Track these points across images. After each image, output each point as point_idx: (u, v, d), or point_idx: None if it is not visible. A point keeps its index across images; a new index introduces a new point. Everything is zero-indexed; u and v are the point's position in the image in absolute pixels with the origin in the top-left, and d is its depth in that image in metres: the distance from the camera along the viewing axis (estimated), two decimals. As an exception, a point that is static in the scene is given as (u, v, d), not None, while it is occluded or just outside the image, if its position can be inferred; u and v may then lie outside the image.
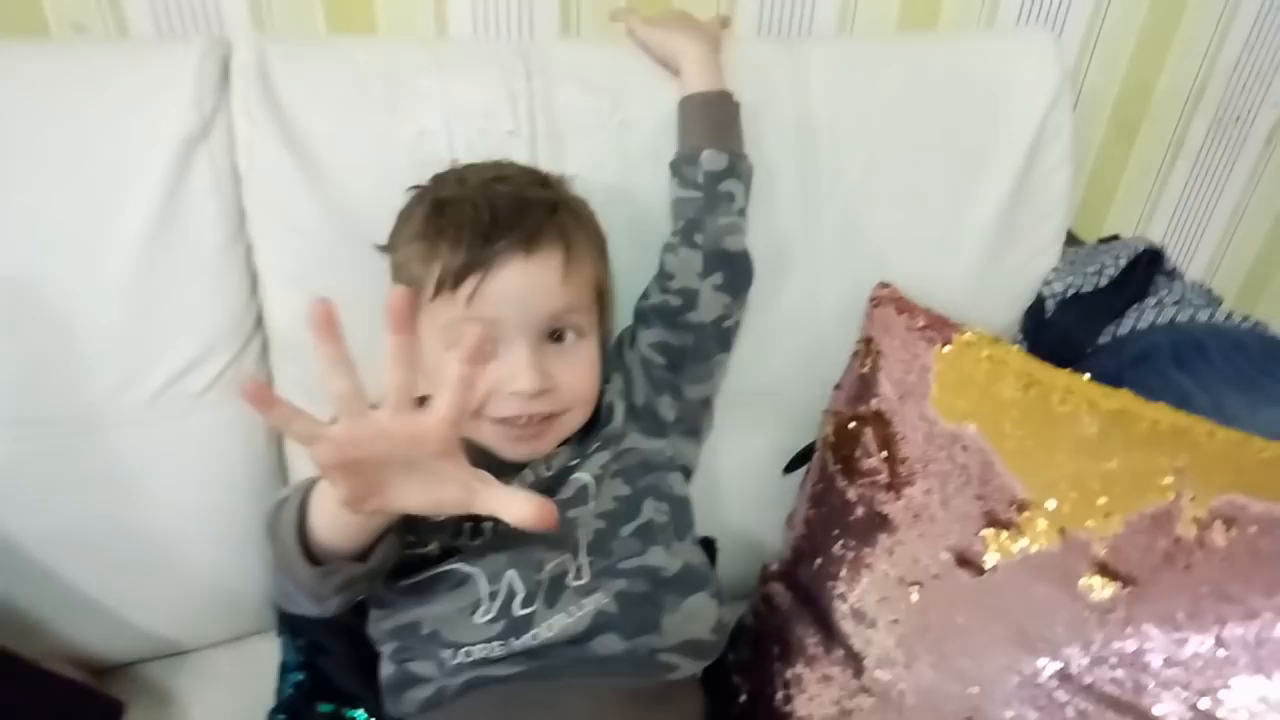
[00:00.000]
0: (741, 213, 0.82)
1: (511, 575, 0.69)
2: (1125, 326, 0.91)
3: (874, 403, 0.80)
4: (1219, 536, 0.63)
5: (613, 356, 0.82)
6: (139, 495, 0.82)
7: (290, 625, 0.84)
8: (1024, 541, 0.69)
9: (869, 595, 0.75)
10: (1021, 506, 0.70)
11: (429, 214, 0.71)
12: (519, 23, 1.00)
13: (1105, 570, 0.66)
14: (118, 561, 0.83)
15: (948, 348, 0.78)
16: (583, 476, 0.75)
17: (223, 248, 0.81)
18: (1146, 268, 0.97)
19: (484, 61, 0.85)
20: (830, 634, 0.77)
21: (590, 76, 0.86)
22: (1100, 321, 0.92)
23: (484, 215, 0.67)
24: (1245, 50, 1.21)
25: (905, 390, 0.79)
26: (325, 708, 0.78)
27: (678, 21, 0.87)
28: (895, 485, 0.77)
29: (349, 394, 0.51)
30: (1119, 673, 0.64)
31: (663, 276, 0.81)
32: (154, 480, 0.82)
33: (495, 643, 0.68)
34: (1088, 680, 0.65)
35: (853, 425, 0.81)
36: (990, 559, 0.70)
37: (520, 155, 0.82)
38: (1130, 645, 0.64)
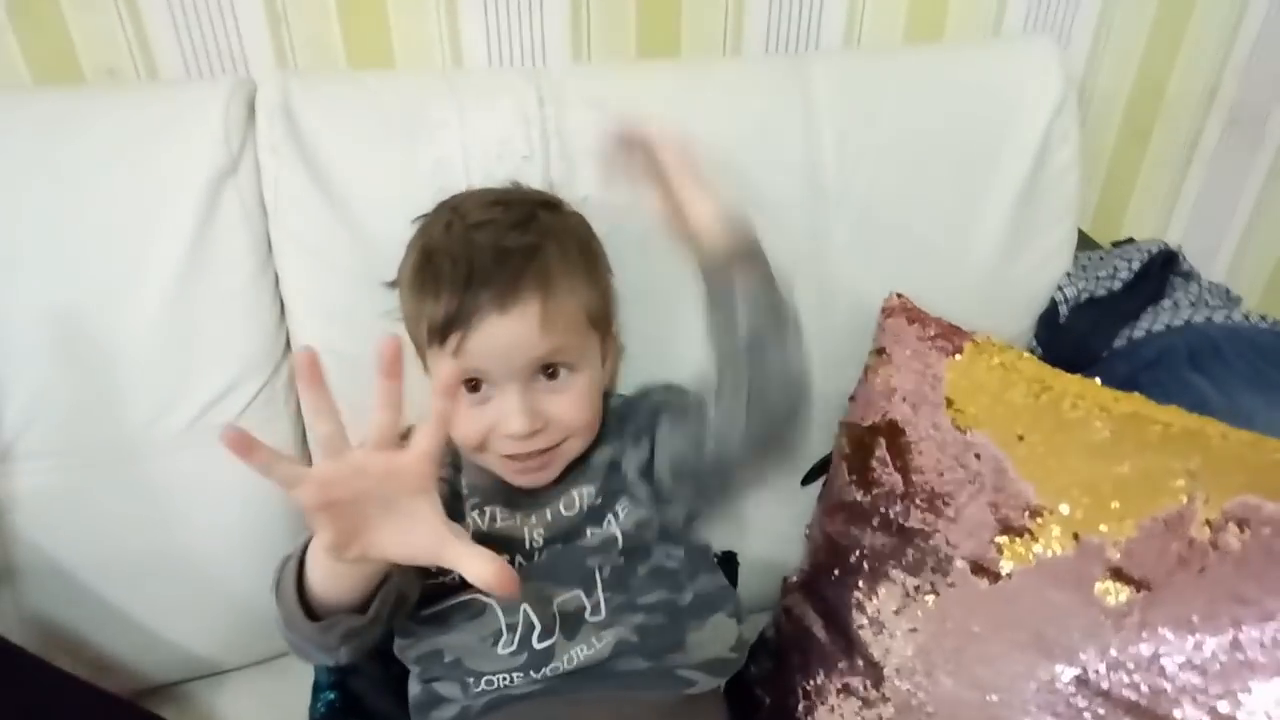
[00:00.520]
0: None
1: (526, 609, 0.71)
2: (1140, 329, 0.92)
3: (887, 413, 0.81)
4: (1233, 539, 0.63)
5: (634, 419, 0.80)
6: (177, 520, 0.85)
7: (323, 644, 0.86)
8: (1038, 547, 0.70)
9: (886, 605, 0.76)
10: (1035, 512, 0.71)
11: (417, 264, 0.73)
12: (531, 51, 1.03)
13: (1120, 575, 0.66)
14: (159, 584, 0.86)
15: (959, 356, 0.79)
16: (604, 524, 0.75)
17: (252, 278, 0.84)
18: (1161, 270, 0.97)
19: (497, 90, 0.88)
20: (850, 644, 0.78)
21: (599, 100, 0.88)
22: (1115, 325, 0.92)
23: (461, 271, 0.68)
24: (1257, 48, 1.20)
25: (918, 400, 0.80)
26: (357, 725, 0.80)
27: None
28: (910, 494, 0.78)
29: (330, 436, 0.54)
30: (1136, 678, 0.64)
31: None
32: (191, 505, 0.85)
33: (517, 673, 0.70)
34: (1105, 686, 0.65)
35: (867, 436, 0.82)
36: (1005, 566, 0.71)
37: (534, 178, 0.84)
38: (1146, 650, 0.64)
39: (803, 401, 0.71)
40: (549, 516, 0.75)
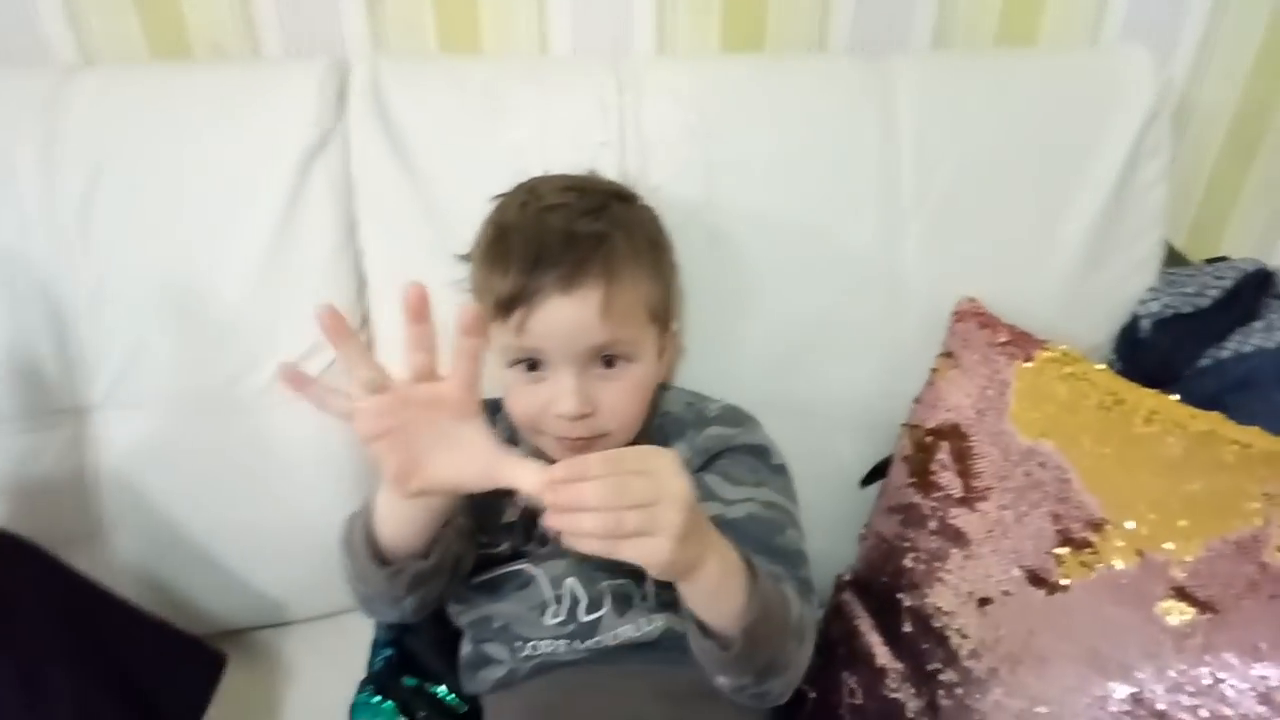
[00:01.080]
0: None
1: (572, 583, 0.72)
2: (1228, 350, 0.88)
3: (951, 417, 0.80)
4: (1309, 566, 0.61)
5: (690, 438, 0.78)
6: (256, 473, 0.90)
7: (382, 605, 0.90)
8: (1099, 561, 0.68)
9: (939, 608, 0.75)
10: (1098, 526, 0.69)
11: (491, 239, 0.75)
12: (616, 41, 1.04)
13: (1183, 594, 0.64)
14: (236, 533, 0.91)
15: (1029, 363, 0.78)
16: None
17: (336, 250, 0.88)
18: (1257, 290, 0.93)
19: (578, 77, 0.90)
20: (899, 646, 0.78)
21: (679, 91, 0.89)
22: (1200, 344, 0.89)
23: (531, 250, 0.70)
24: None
25: (984, 405, 0.79)
26: (410, 682, 0.83)
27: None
28: (969, 500, 0.76)
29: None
30: (1195, 701, 0.62)
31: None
32: (269, 459, 0.90)
33: (562, 641, 0.72)
34: (1161, 707, 0.63)
35: (930, 439, 0.81)
36: (1063, 578, 0.69)
37: (609, 166, 0.86)
38: (1207, 674, 0.62)
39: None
40: None
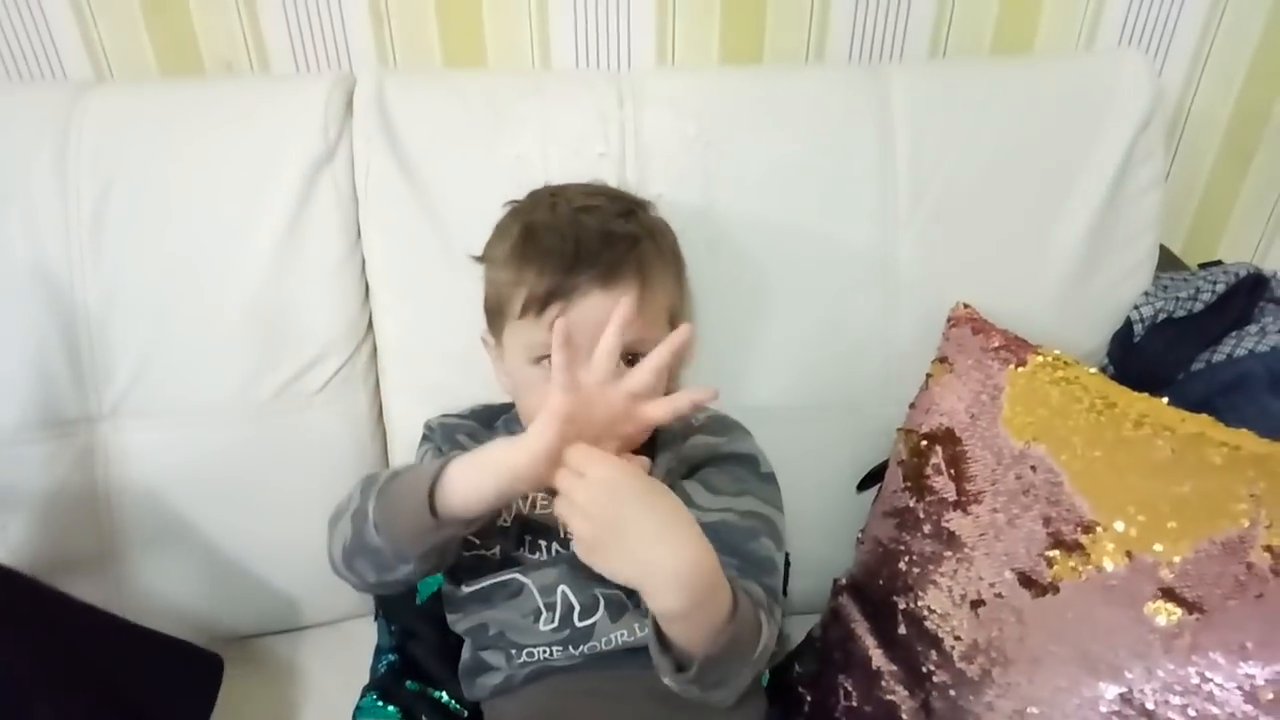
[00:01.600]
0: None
1: (564, 590, 0.73)
2: (1221, 353, 0.89)
3: (945, 421, 0.81)
4: (1294, 566, 0.61)
5: (679, 446, 0.79)
6: (261, 481, 0.91)
7: (385, 611, 0.91)
8: (1089, 563, 0.69)
9: (932, 612, 0.76)
10: (1088, 528, 0.70)
11: (521, 238, 0.76)
12: (618, 54, 1.06)
13: (1172, 595, 0.65)
14: (241, 540, 0.93)
15: (1021, 368, 0.79)
16: None
17: (341, 260, 0.90)
18: (1250, 293, 0.94)
19: (579, 89, 0.92)
20: (893, 648, 0.78)
21: (677, 102, 0.91)
22: (1193, 347, 0.89)
23: (569, 247, 0.71)
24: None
25: (977, 410, 0.79)
26: (413, 686, 0.84)
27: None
28: (963, 503, 0.77)
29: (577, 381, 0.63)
30: (1184, 701, 0.63)
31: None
32: (274, 468, 0.91)
33: (557, 647, 0.73)
34: (1150, 706, 0.64)
35: (924, 443, 0.82)
36: (1055, 580, 0.70)
37: (609, 175, 0.88)
38: (1195, 673, 0.63)
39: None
40: None
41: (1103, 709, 0.66)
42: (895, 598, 0.80)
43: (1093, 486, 0.71)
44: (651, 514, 0.60)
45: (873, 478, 0.93)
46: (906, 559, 0.80)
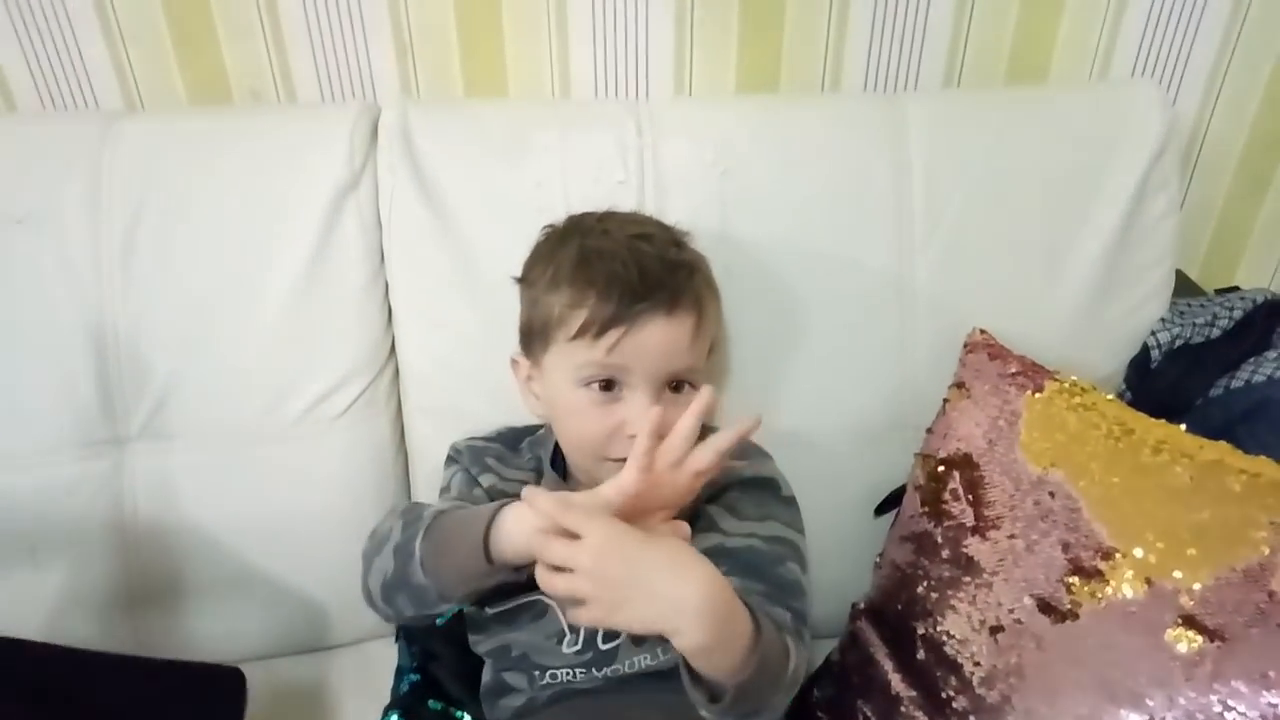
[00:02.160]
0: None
1: None
2: (1239, 379, 0.89)
3: (962, 446, 0.82)
4: (1316, 594, 0.61)
5: None
6: (284, 505, 0.92)
7: (407, 632, 0.91)
8: (1109, 590, 0.69)
9: (951, 637, 0.76)
10: (1107, 554, 0.70)
11: (578, 262, 0.74)
12: (636, 84, 1.08)
13: (1192, 623, 0.65)
14: (263, 563, 0.93)
15: (1039, 394, 0.79)
16: None
17: (365, 286, 0.92)
18: (1266, 320, 0.94)
19: (598, 118, 0.93)
20: (912, 673, 0.78)
21: (695, 131, 0.92)
22: (1210, 374, 0.90)
23: (633, 274, 0.71)
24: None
25: (995, 435, 0.80)
26: (435, 705, 0.84)
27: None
28: (981, 529, 0.78)
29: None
30: (1206, 729, 0.63)
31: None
32: (297, 492, 0.92)
33: (580, 670, 0.73)
34: (1171, 734, 0.64)
35: (941, 468, 0.83)
36: (1074, 606, 0.70)
37: (628, 203, 0.89)
38: (1217, 701, 0.63)
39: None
40: None
41: (1124, 737, 0.66)
42: (914, 623, 0.80)
43: (1111, 513, 0.71)
44: (660, 555, 0.60)
45: (890, 502, 0.93)
46: (925, 584, 0.80)
